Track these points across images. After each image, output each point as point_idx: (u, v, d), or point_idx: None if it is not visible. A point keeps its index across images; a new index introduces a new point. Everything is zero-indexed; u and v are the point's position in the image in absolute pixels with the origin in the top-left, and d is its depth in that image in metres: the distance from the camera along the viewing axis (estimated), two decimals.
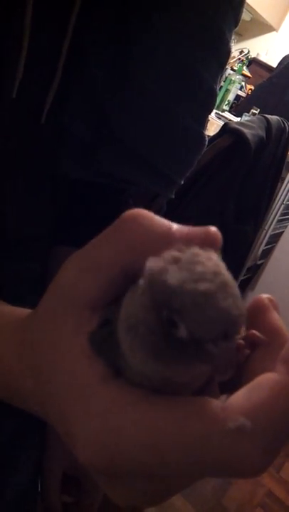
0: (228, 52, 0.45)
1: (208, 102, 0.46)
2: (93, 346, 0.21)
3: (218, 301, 0.17)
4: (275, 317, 0.23)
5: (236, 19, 0.44)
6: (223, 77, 2.85)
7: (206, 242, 0.20)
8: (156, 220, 0.21)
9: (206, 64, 0.43)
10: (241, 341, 0.22)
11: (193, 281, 0.17)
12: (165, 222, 0.21)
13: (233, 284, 0.18)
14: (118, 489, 0.22)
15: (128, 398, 0.20)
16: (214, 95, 0.46)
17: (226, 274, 0.18)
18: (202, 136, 0.47)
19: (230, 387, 0.21)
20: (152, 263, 0.18)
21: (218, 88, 0.46)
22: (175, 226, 0.21)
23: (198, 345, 0.17)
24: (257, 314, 0.23)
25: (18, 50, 0.35)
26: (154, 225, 0.21)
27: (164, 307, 0.18)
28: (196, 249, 0.19)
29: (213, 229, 0.20)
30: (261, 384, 0.19)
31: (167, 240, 0.20)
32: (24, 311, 0.28)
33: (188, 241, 0.20)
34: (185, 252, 0.19)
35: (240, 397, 0.19)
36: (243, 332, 0.22)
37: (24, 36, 0.35)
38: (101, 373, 0.21)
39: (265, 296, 0.23)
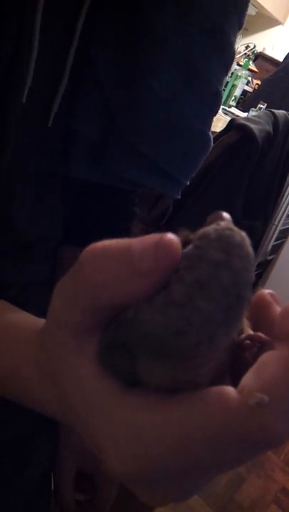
0: (233, 54, 0.46)
1: (213, 104, 0.47)
2: (103, 364, 0.22)
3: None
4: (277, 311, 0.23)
5: (240, 22, 0.45)
6: (229, 72, 2.83)
7: (159, 250, 0.20)
8: (112, 251, 0.21)
9: (212, 67, 0.44)
10: (248, 341, 0.22)
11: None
12: (121, 246, 0.21)
13: None
14: (149, 492, 0.22)
15: (147, 403, 0.20)
16: (219, 97, 0.47)
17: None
18: (208, 137, 0.48)
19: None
20: None
21: (222, 90, 0.47)
22: (132, 244, 0.21)
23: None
24: (260, 310, 0.24)
25: (28, 57, 0.36)
26: (111, 257, 0.21)
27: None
28: None
29: (168, 235, 0.20)
30: (266, 362, 0.20)
31: (129, 264, 0.20)
32: (37, 323, 0.29)
33: (145, 252, 0.20)
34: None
35: (250, 379, 0.20)
36: (248, 331, 0.23)
37: (33, 43, 0.35)
38: (115, 387, 0.21)
39: (267, 291, 0.24)
